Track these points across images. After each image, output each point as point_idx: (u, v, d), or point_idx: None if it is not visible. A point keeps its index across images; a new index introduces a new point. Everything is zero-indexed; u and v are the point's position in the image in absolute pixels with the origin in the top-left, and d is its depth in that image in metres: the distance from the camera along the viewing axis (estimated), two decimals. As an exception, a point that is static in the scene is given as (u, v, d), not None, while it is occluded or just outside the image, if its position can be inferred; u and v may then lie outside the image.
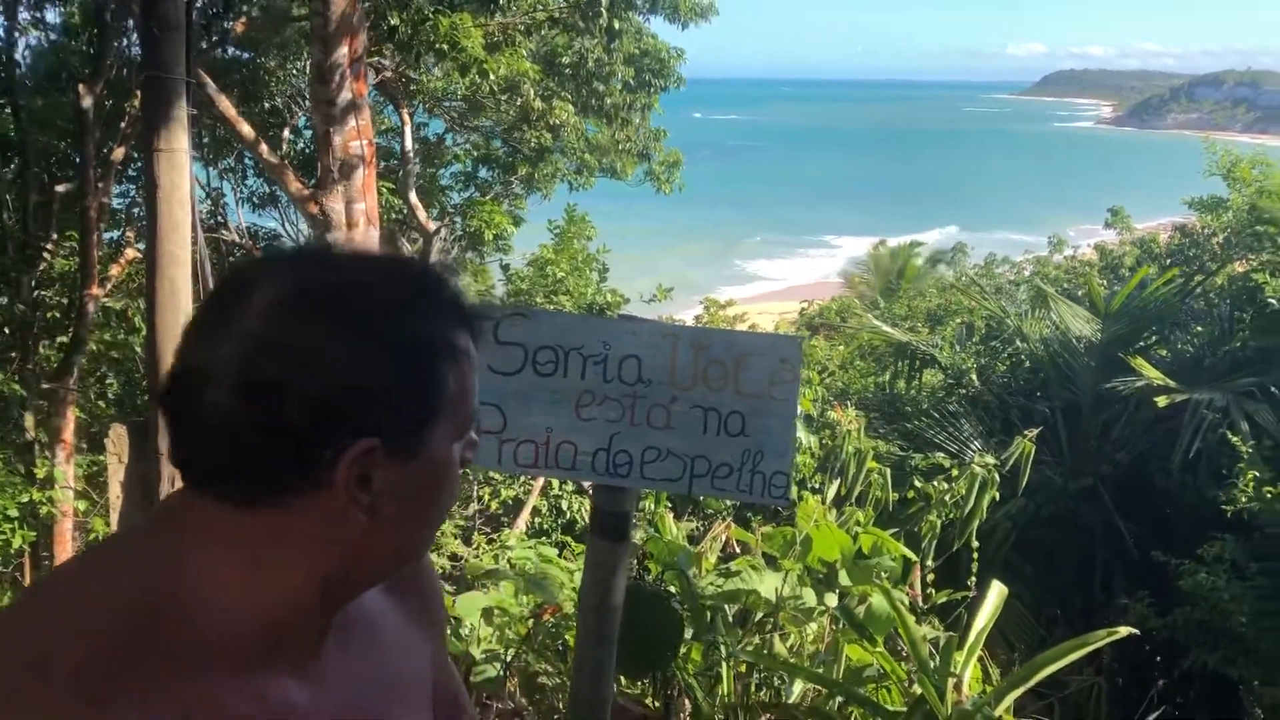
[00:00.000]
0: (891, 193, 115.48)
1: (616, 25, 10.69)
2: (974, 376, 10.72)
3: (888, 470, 7.61)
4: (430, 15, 8.95)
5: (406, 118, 12.09)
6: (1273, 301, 8.74)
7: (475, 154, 15.39)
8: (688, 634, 3.70)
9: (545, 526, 16.07)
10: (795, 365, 2.87)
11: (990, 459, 7.40)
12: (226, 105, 9.25)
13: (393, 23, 8.87)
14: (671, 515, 5.13)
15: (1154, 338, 9.98)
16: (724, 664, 3.92)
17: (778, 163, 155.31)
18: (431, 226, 12.08)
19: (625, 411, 2.86)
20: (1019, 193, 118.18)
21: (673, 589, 3.95)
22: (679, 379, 2.87)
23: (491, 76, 9.33)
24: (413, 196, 11.86)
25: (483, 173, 15.58)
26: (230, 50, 12.21)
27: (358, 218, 8.17)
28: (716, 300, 24.10)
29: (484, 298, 16.82)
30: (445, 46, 8.89)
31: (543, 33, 12.33)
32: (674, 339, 2.88)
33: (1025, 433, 7.01)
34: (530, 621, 4.02)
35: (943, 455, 9.13)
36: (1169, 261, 16.86)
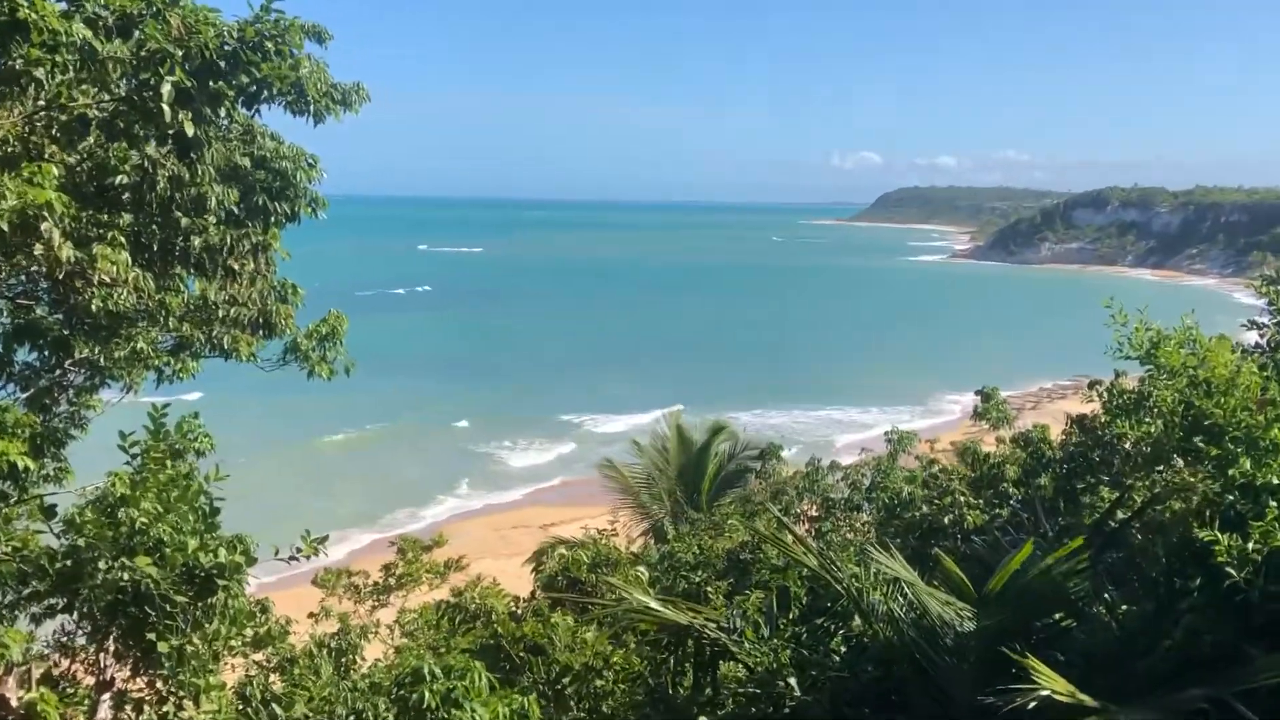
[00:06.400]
0: (682, 359, 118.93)
1: (190, 131, 9.28)
2: (792, 681, 9.64)
3: None
4: None
5: None
6: (1230, 572, 7.95)
7: (9, 326, 13.46)
8: None
9: None
10: None
11: None
12: None
13: None
14: None
15: (1064, 618, 9.16)
16: None
17: (531, 315, 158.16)
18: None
19: None
20: (850, 353, 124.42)
21: None
22: None
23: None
24: None
25: (24, 355, 13.64)
26: None
27: None
28: (417, 540, 22.40)
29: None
30: None
31: (89, 140, 10.83)
32: None
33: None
34: None
35: None
36: (1064, 469, 16.75)
